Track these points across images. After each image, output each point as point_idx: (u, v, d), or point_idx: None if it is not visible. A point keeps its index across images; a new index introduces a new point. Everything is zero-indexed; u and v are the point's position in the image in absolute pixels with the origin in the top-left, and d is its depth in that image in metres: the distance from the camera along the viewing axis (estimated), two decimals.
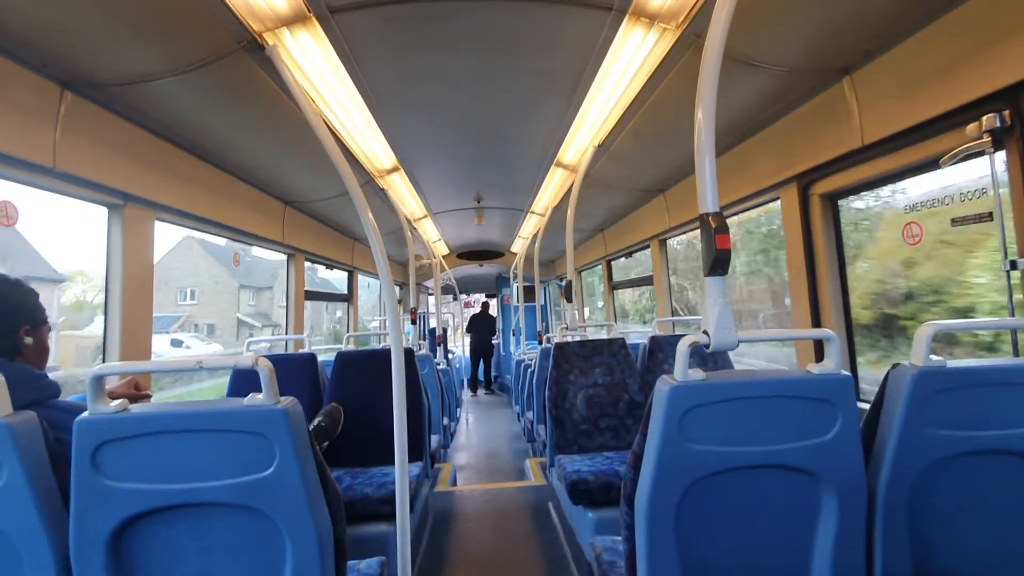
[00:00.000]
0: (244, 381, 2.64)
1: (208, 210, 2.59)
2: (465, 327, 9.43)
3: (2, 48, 1.50)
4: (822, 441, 1.10)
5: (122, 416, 1.02)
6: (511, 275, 7.56)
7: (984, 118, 1.44)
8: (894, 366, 1.16)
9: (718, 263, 1.14)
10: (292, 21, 1.70)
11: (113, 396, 1.08)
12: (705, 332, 1.14)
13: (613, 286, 5.69)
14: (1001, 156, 1.47)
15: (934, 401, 1.11)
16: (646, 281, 4.70)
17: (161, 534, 1.06)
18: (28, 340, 1.23)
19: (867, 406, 1.22)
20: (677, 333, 3.60)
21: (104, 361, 2.04)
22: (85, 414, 1.02)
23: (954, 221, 1.67)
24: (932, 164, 1.68)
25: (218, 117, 2.16)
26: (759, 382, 1.09)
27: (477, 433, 6.22)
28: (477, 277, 9.32)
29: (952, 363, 1.11)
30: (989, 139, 1.44)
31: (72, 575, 1.03)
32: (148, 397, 1.53)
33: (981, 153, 1.48)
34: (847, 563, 1.11)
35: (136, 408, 1.06)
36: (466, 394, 9.13)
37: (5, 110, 1.54)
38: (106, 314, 2.04)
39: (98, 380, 1.03)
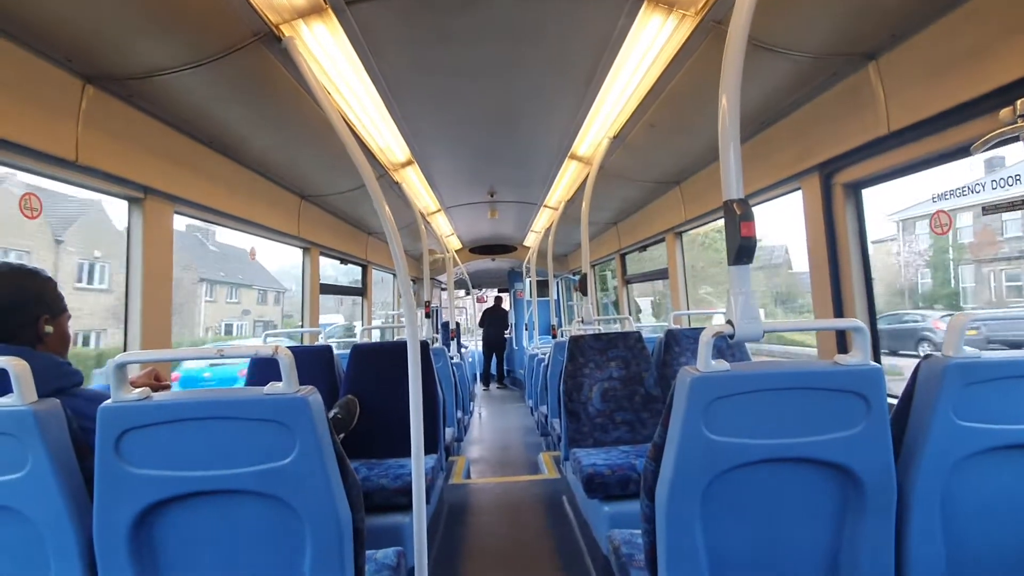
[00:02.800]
0: (262, 371, 2.67)
1: (226, 203, 2.61)
2: (478, 321, 9.44)
3: (28, 44, 1.52)
4: (851, 434, 1.07)
5: (145, 404, 1.03)
6: (524, 269, 7.54)
7: (1018, 102, 1.39)
8: (925, 357, 1.12)
9: (743, 251, 1.11)
10: (308, 12, 1.70)
11: (134, 386, 1.09)
12: (729, 322, 1.12)
13: (627, 280, 5.65)
14: None
15: (968, 394, 1.07)
16: (661, 275, 4.66)
17: (183, 521, 1.08)
18: (48, 329, 1.25)
19: (894, 401, 1.19)
20: (693, 327, 3.56)
21: (125, 350, 2.08)
22: (108, 402, 1.03)
23: (985, 209, 1.62)
24: (963, 151, 1.63)
25: (235, 110, 2.17)
26: (785, 373, 1.07)
27: (490, 427, 6.23)
28: (490, 271, 9.32)
29: (987, 355, 1.08)
30: (1023, 124, 1.39)
31: (96, 561, 1.05)
32: (168, 387, 1.55)
33: (1016, 138, 1.42)
34: (876, 559, 1.09)
35: (159, 396, 1.07)
36: (478, 388, 9.16)
37: (30, 105, 1.57)
38: (127, 305, 2.08)
39: (121, 368, 1.04)
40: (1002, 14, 1.40)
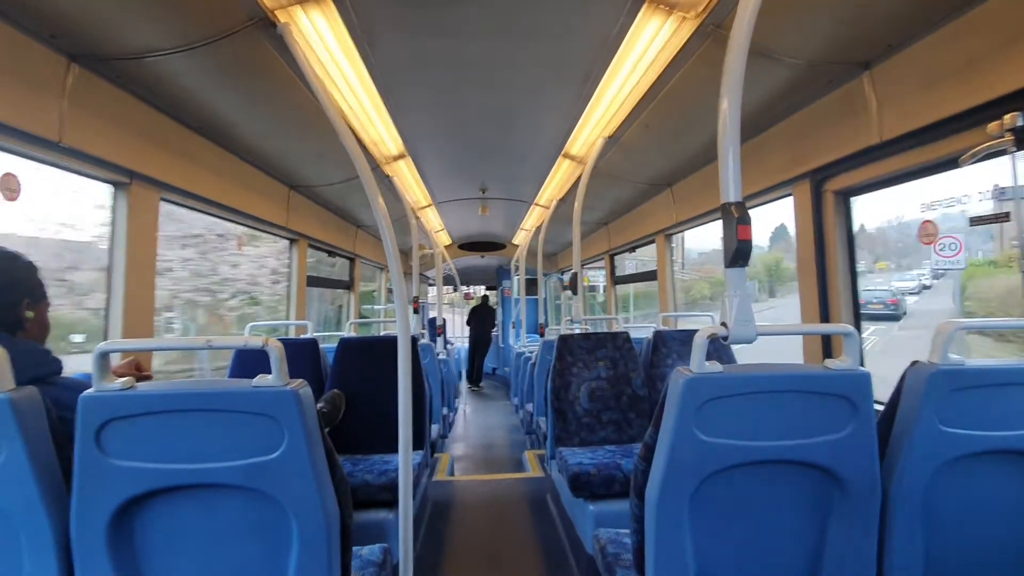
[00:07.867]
0: (246, 363, 2.63)
1: (213, 191, 2.56)
2: (466, 319, 9.36)
3: (10, 18, 1.46)
4: (838, 438, 1.08)
5: (129, 393, 1.00)
6: (512, 267, 7.53)
7: (1006, 116, 1.42)
8: (913, 363, 1.14)
9: (739, 254, 1.12)
10: None
11: (115, 376, 1.06)
12: (723, 324, 1.12)
13: (615, 281, 5.68)
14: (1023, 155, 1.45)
15: (952, 400, 1.09)
16: (649, 276, 4.68)
17: (164, 515, 1.05)
18: (29, 314, 1.21)
19: (879, 407, 1.21)
20: (681, 329, 3.59)
21: (106, 339, 2.02)
22: (90, 391, 1.00)
23: (972, 221, 1.65)
24: (951, 163, 1.66)
25: (226, 96, 2.13)
26: (777, 376, 1.08)
27: (475, 424, 6.22)
28: (478, 268, 9.29)
29: (971, 362, 1.10)
30: (1011, 138, 1.42)
31: (72, 556, 1.01)
32: (150, 378, 1.51)
33: (1003, 152, 1.45)
34: (858, 561, 1.11)
35: (143, 386, 1.04)
36: (463, 385, 9.10)
37: (12, 81, 1.51)
38: (109, 292, 2.02)
39: (103, 356, 1.00)
40: (993, 30, 1.43)
